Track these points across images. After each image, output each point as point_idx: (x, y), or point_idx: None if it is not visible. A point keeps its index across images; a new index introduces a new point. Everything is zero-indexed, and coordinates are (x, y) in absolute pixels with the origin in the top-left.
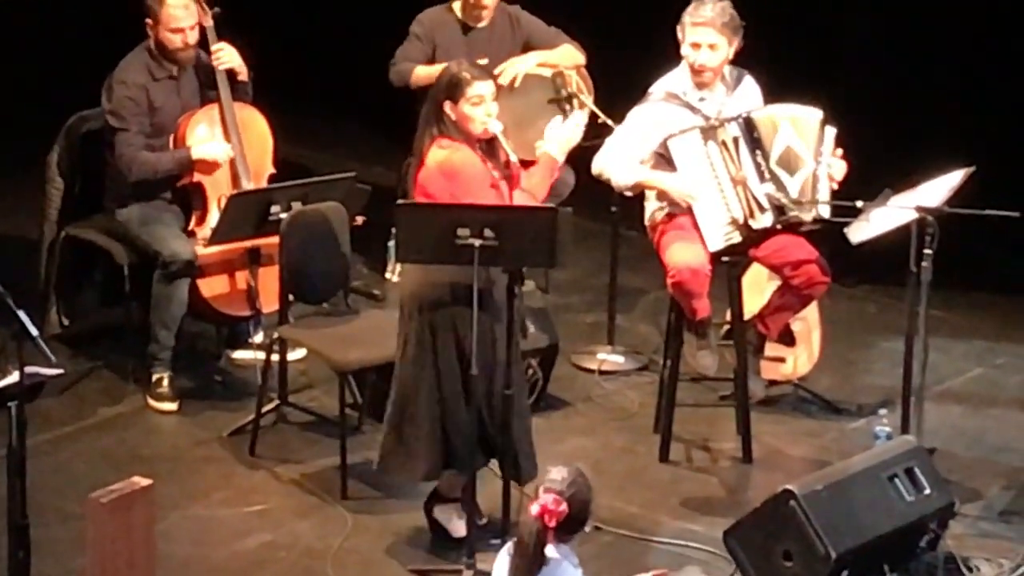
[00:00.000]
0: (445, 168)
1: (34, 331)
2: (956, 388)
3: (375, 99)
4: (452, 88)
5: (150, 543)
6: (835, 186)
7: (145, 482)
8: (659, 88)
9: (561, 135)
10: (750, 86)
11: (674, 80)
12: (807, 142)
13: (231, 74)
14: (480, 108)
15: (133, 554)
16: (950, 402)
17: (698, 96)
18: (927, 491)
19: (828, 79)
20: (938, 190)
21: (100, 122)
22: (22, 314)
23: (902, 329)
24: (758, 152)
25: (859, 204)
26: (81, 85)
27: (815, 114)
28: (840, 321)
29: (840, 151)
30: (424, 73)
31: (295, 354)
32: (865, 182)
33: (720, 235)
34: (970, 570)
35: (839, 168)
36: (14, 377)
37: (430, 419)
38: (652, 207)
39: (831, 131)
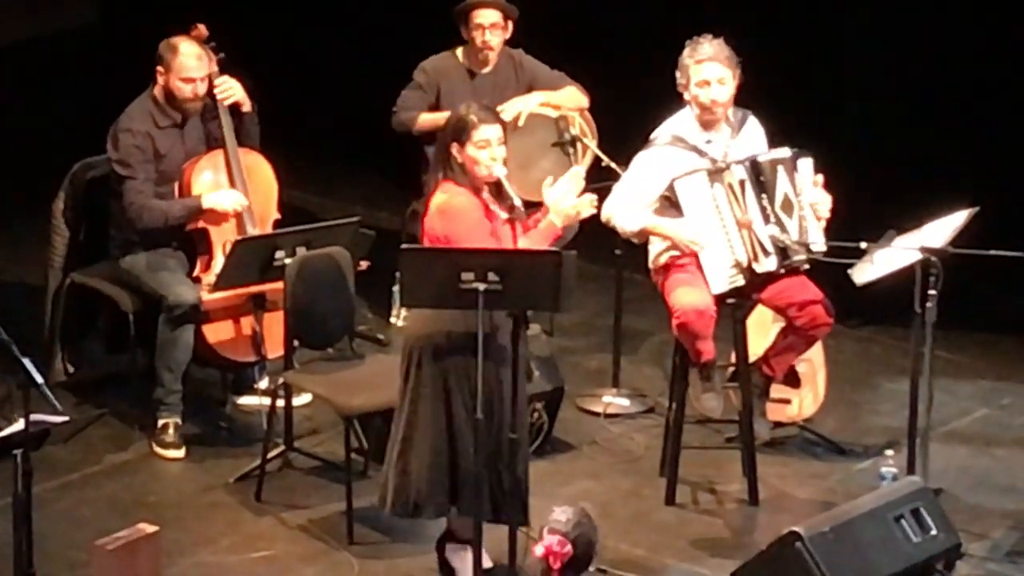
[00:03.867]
0: (444, 210)
1: (39, 379)
2: (962, 429)
3: (379, 144)
4: (459, 131)
5: None
6: (823, 221)
7: (151, 529)
8: (664, 132)
9: (560, 203)
10: (754, 126)
11: (679, 123)
12: (791, 183)
13: (235, 109)
14: (486, 152)
15: None
16: (956, 443)
17: (704, 138)
18: (933, 532)
19: (833, 119)
20: (942, 230)
21: (104, 169)
22: (27, 362)
23: (907, 370)
24: (763, 195)
25: (863, 245)
26: (85, 132)
27: (786, 152)
28: (845, 362)
29: (820, 178)
30: (428, 120)
31: (300, 400)
32: (869, 222)
33: (724, 278)
34: None
35: (823, 203)
36: (19, 425)
37: (432, 456)
38: (656, 250)
39: (805, 163)
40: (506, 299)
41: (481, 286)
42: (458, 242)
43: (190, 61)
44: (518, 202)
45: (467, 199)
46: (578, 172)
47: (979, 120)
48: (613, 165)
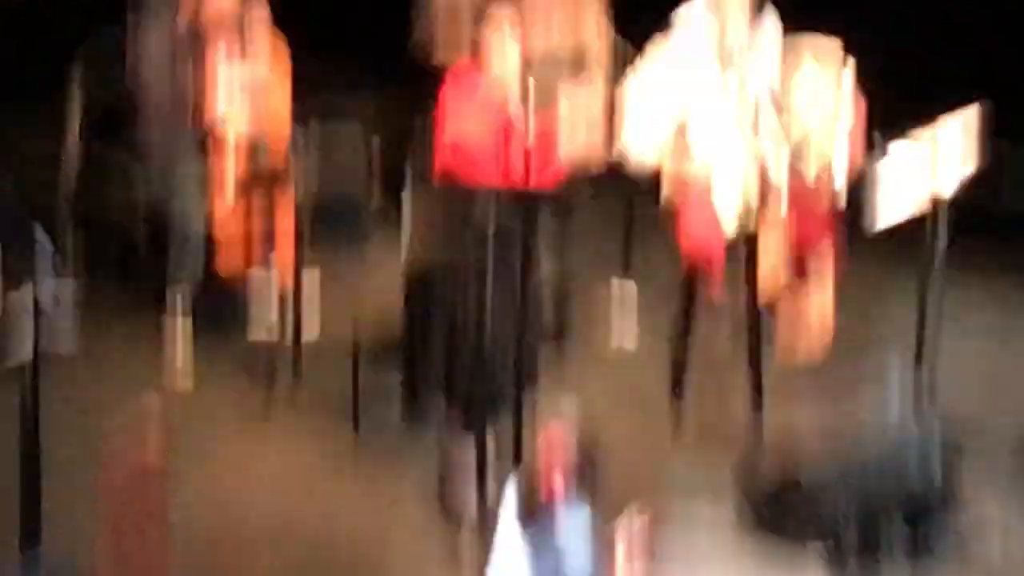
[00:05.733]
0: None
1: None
2: (969, 361)
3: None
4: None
5: (164, 517)
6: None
7: (159, 456)
8: (681, 16)
9: (575, 144)
10: (771, 19)
11: (696, 7)
12: (820, 90)
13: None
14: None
15: (147, 529)
16: (963, 374)
17: (718, 27)
18: (936, 470)
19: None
20: (953, 131)
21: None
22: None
23: (915, 305)
24: (777, 121)
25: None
26: None
27: (832, 46)
28: (853, 298)
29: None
30: None
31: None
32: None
33: (734, 215)
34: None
35: (852, 112)
36: None
37: (430, 367)
38: (668, 186)
39: (847, 74)
40: (516, 236)
41: (491, 224)
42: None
43: None
44: (532, 137)
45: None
46: (595, 99)
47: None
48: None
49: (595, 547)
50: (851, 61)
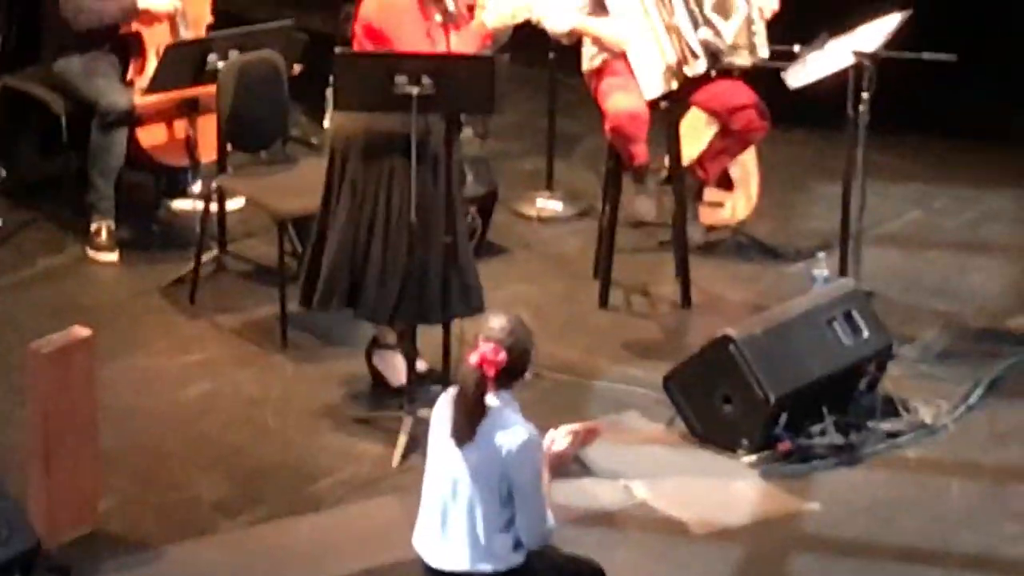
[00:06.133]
0: (381, 2)
1: None
2: (894, 231)
3: None
4: None
5: (91, 393)
6: (766, 17)
7: (85, 332)
8: None
9: (500, 9)
10: None
11: None
12: None
13: None
14: None
15: (74, 404)
16: (888, 245)
17: None
18: (865, 334)
19: None
20: (875, 33)
21: None
22: None
23: (840, 173)
24: None
25: (796, 48)
26: None
27: None
28: (778, 165)
29: None
30: None
31: (233, 203)
32: (803, 27)
33: (657, 81)
34: (908, 411)
35: (768, 4)
36: None
37: (340, 253)
38: (590, 53)
39: None
40: (439, 102)
41: (414, 89)
42: (392, 35)
43: None
44: (452, 6)
45: None
46: None
47: None
48: None
49: (529, 457)
50: None
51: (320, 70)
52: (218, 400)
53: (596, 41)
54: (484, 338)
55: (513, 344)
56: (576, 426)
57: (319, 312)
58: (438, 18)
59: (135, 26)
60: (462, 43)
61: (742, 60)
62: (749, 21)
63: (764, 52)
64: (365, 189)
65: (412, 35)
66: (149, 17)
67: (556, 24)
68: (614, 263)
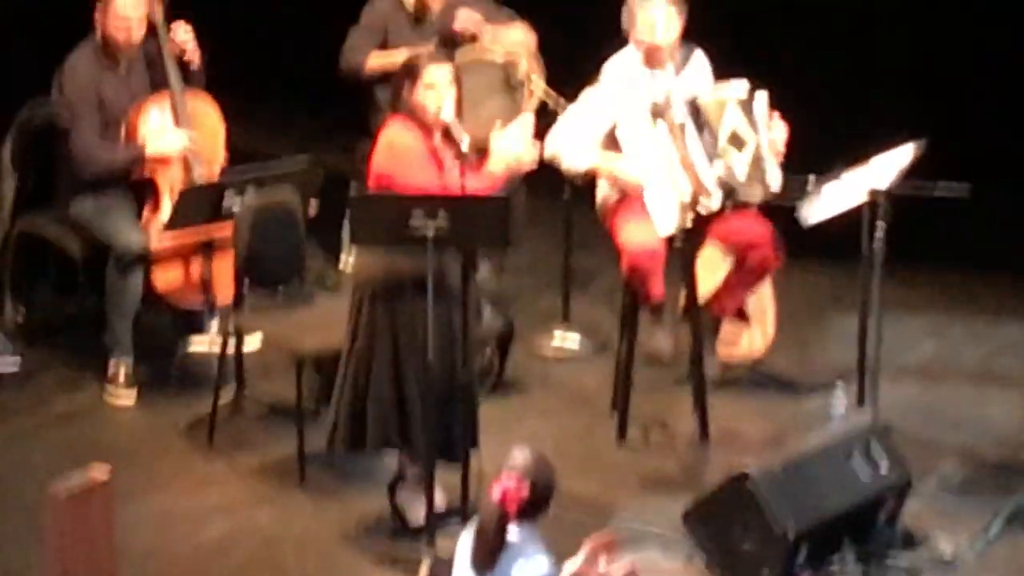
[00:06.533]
0: (391, 146)
1: None
2: (911, 364)
3: (327, 84)
4: (409, 71)
5: (110, 535)
6: (781, 152)
7: (103, 474)
8: (609, 69)
9: (506, 151)
10: (699, 61)
11: (623, 61)
12: (746, 118)
13: (183, 63)
14: (432, 94)
15: (93, 546)
16: (905, 378)
17: (648, 76)
18: (883, 467)
19: (778, 51)
20: (890, 166)
21: (52, 114)
22: None
23: (856, 306)
24: (706, 134)
25: (811, 183)
26: (32, 77)
27: (741, 86)
28: (795, 299)
29: (776, 114)
30: (377, 62)
31: (251, 343)
32: (817, 159)
33: (671, 218)
34: (928, 545)
35: (779, 133)
36: None
37: (376, 395)
38: (604, 190)
39: (761, 96)
40: (455, 239)
41: (430, 228)
42: (403, 179)
43: (125, 2)
44: (465, 146)
45: (414, 137)
46: (527, 119)
47: (926, 53)
48: (561, 102)
49: None
50: (763, 93)
51: (336, 207)
52: (237, 540)
53: (611, 179)
54: (507, 472)
55: (536, 479)
56: (587, 546)
57: (348, 453)
58: (450, 159)
59: (148, 169)
60: (476, 184)
61: (755, 195)
62: (758, 154)
63: (776, 184)
64: (386, 327)
65: (424, 179)
66: (162, 159)
67: (573, 163)
68: (631, 398)
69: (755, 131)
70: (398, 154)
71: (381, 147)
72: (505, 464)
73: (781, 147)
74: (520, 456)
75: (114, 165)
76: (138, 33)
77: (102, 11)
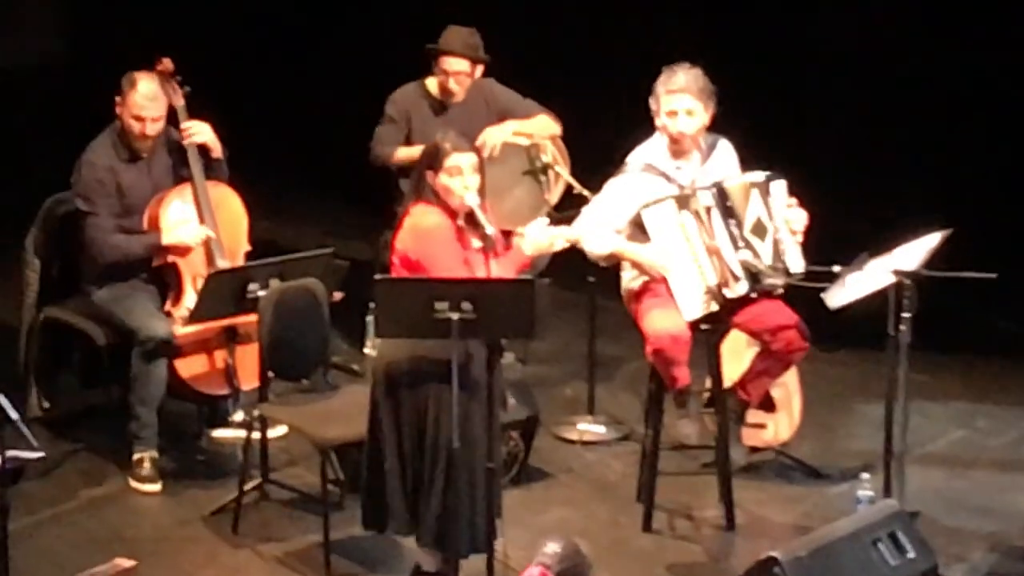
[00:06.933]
0: (416, 231)
1: (14, 415)
2: (938, 451)
3: (351, 173)
4: (432, 158)
5: None
6: (799, 238)
7: (129, 564)
8: (635, 158)
9: (538, 238)
10: (725, 151)
11: (649, 150)
12: (764, 204)
13: (205, 152)
14: (457, 180)
15: None
16: (932, 465)
17: (674, 165)
18: (911, 555)
19: (804, 140)
20: (916, 252)
21: (74, 204)
22: (2, 398)
23: (882, 392)
24: (731, 220)
25: (836, 269)
26: (58, 167)
27: (758, 176)
28: (821, 385)
29: (794, 200)
30: (404, 155)
31: (276, 432)
32: (842, 245)
33: (697, 304)
34: None
35: (798, 219)
36: None
37: (399, 481)
38: (629, 276)
39: (778, 185)
40: (480, 327)
41: (455, 315)
42: (429, 264)
43: (143, 100)
44: (491, 231)
45: (439, 220)
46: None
47: (951, 140)
48: (585, 192)
49: None
50: (782, 182)
51: (360, 296)
52: None
53: (636, 265)
54: (537, 563)
55: (563, 570)
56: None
57: (379, 533)
58: (476, 244)
59: (171, 258)
60: (501, 269)
61: (778, 281)
62: (778, 241)
63: (797, 268)
64: (410, 415)
65: (450, 263)
66: (182, 248)
67: (596, 247)
68: (657, 486)
69: (771, 217)
70: (422, 235)
71: (406, 229)
72: (538, 555)
73: (799, 227)
74: (552, 547)
75: (130, 253)
76: (155, 126)
77: (121, 103)
